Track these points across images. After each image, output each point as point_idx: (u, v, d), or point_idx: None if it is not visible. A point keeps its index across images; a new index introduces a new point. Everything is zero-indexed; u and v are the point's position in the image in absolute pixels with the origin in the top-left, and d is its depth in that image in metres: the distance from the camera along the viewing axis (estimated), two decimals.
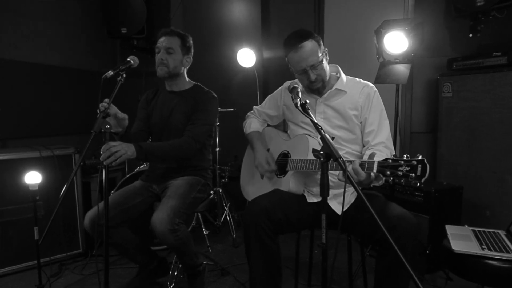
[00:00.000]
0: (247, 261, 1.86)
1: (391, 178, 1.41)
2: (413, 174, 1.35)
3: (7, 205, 2.61)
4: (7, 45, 3.11)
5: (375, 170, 1.47)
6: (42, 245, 2.27)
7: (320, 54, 1.85)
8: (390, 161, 1.43)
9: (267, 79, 3.96)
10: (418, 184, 1.37)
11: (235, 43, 3.84)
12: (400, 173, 1.38)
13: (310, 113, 1.57)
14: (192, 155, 2.24)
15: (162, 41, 2.25)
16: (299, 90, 1.71)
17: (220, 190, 3.47)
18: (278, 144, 2.11)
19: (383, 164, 1.45)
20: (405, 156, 1.41)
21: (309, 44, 1.82)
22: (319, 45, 1.86)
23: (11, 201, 2.63)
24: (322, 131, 1.46)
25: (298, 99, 1.62)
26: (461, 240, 1.89)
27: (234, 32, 4.00)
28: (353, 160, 1.57)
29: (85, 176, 3.26)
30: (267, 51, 3.90)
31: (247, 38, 3.88)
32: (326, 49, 1.92)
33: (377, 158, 1.61)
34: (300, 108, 1.59)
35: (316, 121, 1.52)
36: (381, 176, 1.48)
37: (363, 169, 1.52)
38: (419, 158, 1.36)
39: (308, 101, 1.63)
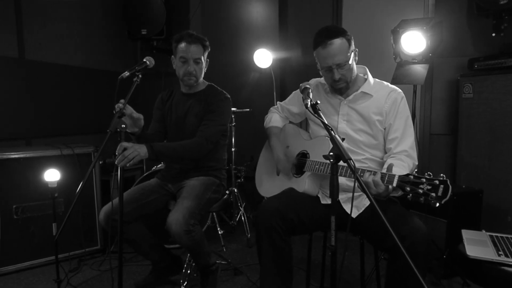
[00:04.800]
0: (258, 261, 1.86)
1: (410, 194, 1.38)
2: (433, 194, 1.32)
3: (29, 202, 2.71)
4: (32, 47, 3.23)
5: (395, 184, 1.45)
6: (62, 241, 2.35)
7: (348, 54, 1.80)
8: (412, 177, 1.40)
9: (284, 79, 3.95)
10: (438, 204, 1.32)
11: (252, 44, 3.86)
12: (420, 191, 1.35)
13: (321, 114, 1.56)
14: (204, 155, 2.26)
15: (187, 50, 2.21)
16: (310, 90, 1.70)
17: (236, 190, 3.48)
18: (298, 142, 2.09)
19: (403, 179, 1.42)
20: (426, 174, 1.37)
21: (338, 42, 1.77)
22: (350, 44, 1.81)
23: (33, 198, 2.72)
24: (332, 132, 1.45)
25: (309, 100, 1.61)
26: (477, 245, 1.84)
27: (251, 33, 4.02)
28: (375, 172, 1.54)
29: (104, 174, 3.34)
30: (284, 52, 3.90)
31: (264, 39, 3.89)
32: (357, 49, 1.86)
33: (398, 169, 1.59)
34: (310, 109, 1.58)
35: (326, 122, 1.50)
36: (399, 189, 1.45)
37: (382, 181, 1.49)
38: (442, 178, 1.33)
39: (319, 101, 1.62)
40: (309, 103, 1.59)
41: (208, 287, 2.31)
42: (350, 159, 1.36)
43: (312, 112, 1.57)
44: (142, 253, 2.37)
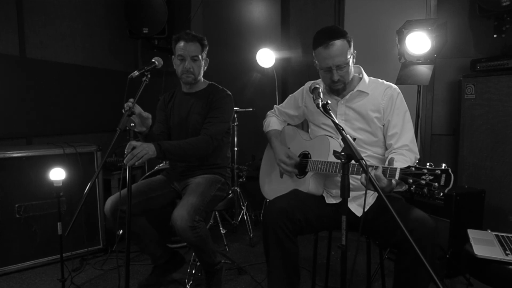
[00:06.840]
0: (266, 261, 1.86)
1: (414, 186, 1.39)
2: (436, 184, 1.33)
3: (31, 201, 2.69)
4: (33, 45, 3.21)
5: (397, 177, 1.46)
6: (65, 240, 2.33)
7: (348, 56, 1.80)
8: (413, 168, 1.41)
9: (286, 79, 3.96)
10: (441, 194, 1.34)
11: (254, 43, 3.86)
12: (423, 182, 1.36)
13: (332, 114, 1.56)
14: (210, 153, 2.28)
15: (184, 48, 2.25)
16: (320, 90, 1.70)
17: (238, 190, 3.48)
18: (298, 143, 2.10)
19: (405, 172, 1.43)
20: (428, 164, 1.38)
21: (340, 43, 1.78)
22: (350, 46, 1.82)
23: (36, 197, 2.70)
24: (343, 132, 1.45)
25: (320, 100, 1.61)
26: (484, 245, 1.85)
27: (253, 32, 4.02)
28: (377, 166, 1.54)
29: (106, 174, 3.33)
30: (287, 51, 3.90)
31: (267, 38, 3.89)
32: (355, 51, 1.87)
33: (400, 163, 1.59)
34: (321, 109, 1.58)
35: (332, 122, 1.51)
36: (403, 182, 1.46)
37: (385, 176, 1.49)
38: (444, 167, 1.34)
39: (329, 101, 1.62)
40: (320, 103, 1.59)
41: (213, 287, 2.31)
42: (362, 158, 1.36)
43: (323, 111, 1.57)
44: (144, 247, 2.35)
